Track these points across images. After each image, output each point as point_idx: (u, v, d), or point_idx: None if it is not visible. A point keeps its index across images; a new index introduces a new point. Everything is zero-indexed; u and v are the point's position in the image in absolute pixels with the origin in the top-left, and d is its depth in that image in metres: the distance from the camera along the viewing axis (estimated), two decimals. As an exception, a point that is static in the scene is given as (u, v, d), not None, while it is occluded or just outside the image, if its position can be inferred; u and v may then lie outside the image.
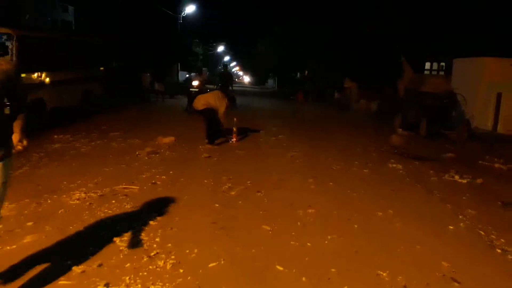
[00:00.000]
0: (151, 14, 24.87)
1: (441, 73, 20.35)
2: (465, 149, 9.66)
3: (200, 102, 8.62)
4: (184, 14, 29.17)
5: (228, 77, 15.68)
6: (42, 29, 14.99)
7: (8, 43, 8.17)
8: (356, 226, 4.45)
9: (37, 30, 11.51)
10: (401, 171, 7.18)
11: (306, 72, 34.84)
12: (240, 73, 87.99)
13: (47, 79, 9.53)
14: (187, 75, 20.07)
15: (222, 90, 15.15)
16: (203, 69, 18.58)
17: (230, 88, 15.52)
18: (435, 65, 21.58)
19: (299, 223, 4.43)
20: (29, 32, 9.39)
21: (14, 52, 8.17)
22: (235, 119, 9.26)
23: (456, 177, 6.89)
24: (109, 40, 16.49)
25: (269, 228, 4.23)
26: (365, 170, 7.09)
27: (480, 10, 16.57)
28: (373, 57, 20.78)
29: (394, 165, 7.55)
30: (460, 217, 4.92)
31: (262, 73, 54.68)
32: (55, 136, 8.57)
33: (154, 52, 24.92)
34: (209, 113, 8.49)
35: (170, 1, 27.03)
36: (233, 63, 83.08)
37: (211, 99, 8.56)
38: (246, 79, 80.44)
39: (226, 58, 63.56)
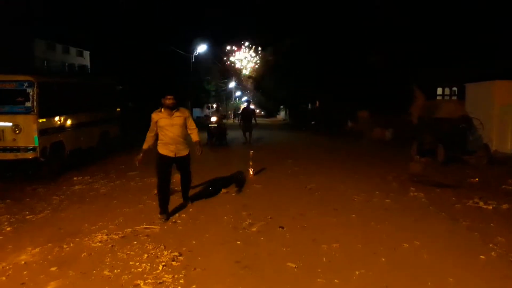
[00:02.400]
0: (164, 55, 25.67)
1: (454, 98, 20.27)
2: (486, 174, 9.45)
3: (169, 149, 6.18)
4: (196, 53, 30.00)
5: (251, 112, 16.36)
6: (60, 74, 15.51)
7: (29, 90, 8.44)
8: (383, 259, 4.32)
9: (56, 76, 11.92)
10: (423, 200, 7.02)
11: (317, 102, 35.05)
12: (252, 106, 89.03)
13: (67, 123, 9.78)
14: (211, 109, 20.85)
15: (244, 124, 15.69)
16: (220, 105, 19.16)
17: (255, 122, 16.07)
18: (447, 90, 21.52)
19: (324, 259, 4.33)
20: (48, 79, 9.73)
21: (35, 98, 8.43)
22: (251, 152, 9.32)
23: (481, 203, 6.70)
24: (124, 82, 16.97)
25: (294, 265, 4.14)
26: (386, 200, 6.96)
27: (489, 31, 16.63)
28: (384, 85, 20.83)
29: (416, 194, 7.41)
30: (490, 245, 4.75)
31: (272, 105, 55.16)
32: (75, 178, 8.69)
33: (167, 91, 25.52)
34: (183, 162, 6.25)
35: (182, 41, 27.95)
36: (244, 98, 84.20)
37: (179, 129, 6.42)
38: (257, 111, 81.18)
39: (238, 93, 64.50)
